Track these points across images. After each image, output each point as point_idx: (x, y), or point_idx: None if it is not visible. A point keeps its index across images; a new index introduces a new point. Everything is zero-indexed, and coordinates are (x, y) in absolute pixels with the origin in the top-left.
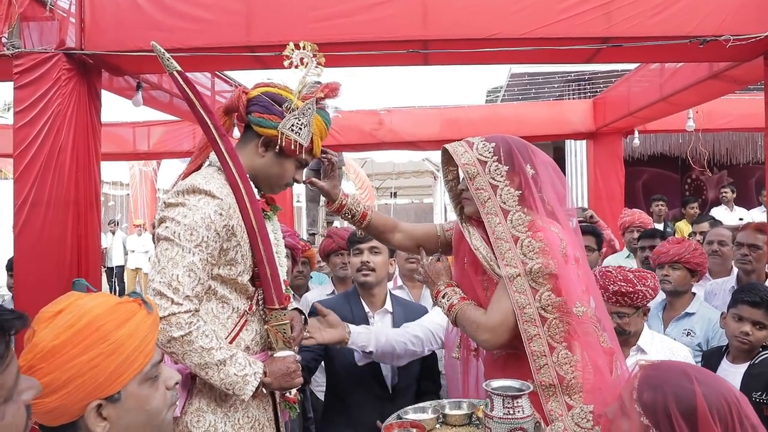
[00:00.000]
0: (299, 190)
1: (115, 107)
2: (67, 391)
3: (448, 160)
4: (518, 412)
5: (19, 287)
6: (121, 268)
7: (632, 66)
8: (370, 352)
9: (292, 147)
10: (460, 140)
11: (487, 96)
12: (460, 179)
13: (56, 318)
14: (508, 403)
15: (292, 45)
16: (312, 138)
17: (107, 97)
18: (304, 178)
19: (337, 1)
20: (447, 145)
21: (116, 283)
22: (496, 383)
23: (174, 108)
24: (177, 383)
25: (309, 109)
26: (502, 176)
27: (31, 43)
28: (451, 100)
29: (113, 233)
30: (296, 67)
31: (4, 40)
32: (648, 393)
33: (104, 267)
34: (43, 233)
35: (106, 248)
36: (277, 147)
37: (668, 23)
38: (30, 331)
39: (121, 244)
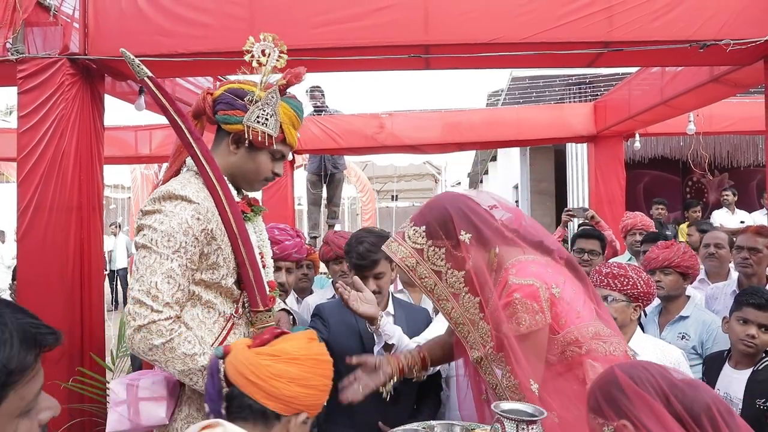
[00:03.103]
0: (300, 193)
1: (117, 111)
2: (309, 395)
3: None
4: None
5: (22, 292)
6: (125, 270)
7: (633, 69)
8: (391, 346)
9: (260, 139)
10: (392, 236)
11: (488, 99)
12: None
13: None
14: (523, 428)
15: (252, 39)
16: (282, 127)
17: (109, 101)
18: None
19: (339, 6)
20: (383, 247)
21: (119, 286)
22: (506, 405)
23: None
24: None
25: (272, 98)
26: (441, 260)
27: (35, 48)
28: (452, 104)
29: (115, 235)
30: (258, 60)
31: (8, 45)
32: (589, 399)
33: (107, 270)
34: (46, 237)
35: (110, 251)
36: (247, 141)
37: (669, 27)
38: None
39: (124, 246)
